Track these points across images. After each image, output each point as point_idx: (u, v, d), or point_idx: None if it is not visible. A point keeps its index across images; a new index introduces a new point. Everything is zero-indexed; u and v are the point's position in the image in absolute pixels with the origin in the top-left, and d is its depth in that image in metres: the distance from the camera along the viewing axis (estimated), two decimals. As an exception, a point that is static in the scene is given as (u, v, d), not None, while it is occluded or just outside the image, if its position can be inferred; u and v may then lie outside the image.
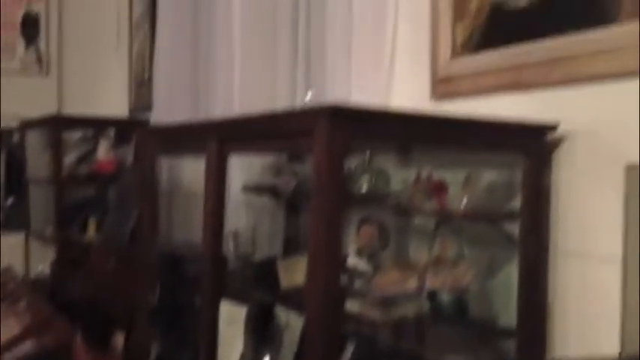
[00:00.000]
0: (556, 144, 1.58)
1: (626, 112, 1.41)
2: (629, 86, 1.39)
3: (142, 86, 4.27)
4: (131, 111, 4.46)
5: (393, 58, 2.06)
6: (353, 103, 2.03)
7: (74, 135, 4.07)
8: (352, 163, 1.95)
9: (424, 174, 1.79)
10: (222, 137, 1.76)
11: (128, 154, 3.88)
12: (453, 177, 1.73)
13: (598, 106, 1.48)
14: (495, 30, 1.70)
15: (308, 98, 2.41)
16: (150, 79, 3.98)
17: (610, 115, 1.45)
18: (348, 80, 2.14)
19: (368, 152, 1.91)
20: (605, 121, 1.47)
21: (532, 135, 1.55)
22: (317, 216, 1.35)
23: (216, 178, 1.85)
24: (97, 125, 3.98)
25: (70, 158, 3.94)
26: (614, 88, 1.43)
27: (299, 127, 1.42)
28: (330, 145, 1.30)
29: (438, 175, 1.76)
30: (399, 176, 1.96)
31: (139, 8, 4.31)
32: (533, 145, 1.56)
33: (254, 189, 2.49)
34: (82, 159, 4.01)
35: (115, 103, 4.57)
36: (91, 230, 3.87)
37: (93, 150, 3.99)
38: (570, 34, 1.48)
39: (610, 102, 1.45)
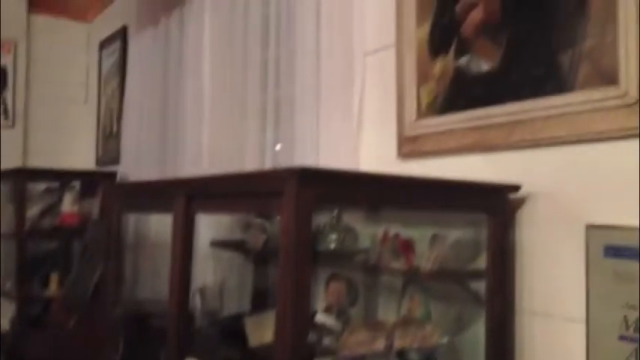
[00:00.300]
0: (519, 204, 1.62)
1: (584, 174, 1.46)
2: (585, 150, 1.45)
3: (109, 139, 4.27)
4: (98, 163, 4.44)
5: (360, 118, 2.11)
6: (321, 165, 2.07)
7: (39, 187, 4.01)
8: (321, 220, 1.97)
9: (392, 232, 1.81)
10: (190, 196, 1.76)
11: (94, 207, 3.84)
12: (419, 234, 1.75)
13: (557, 168, 1.53)
14: (458, 93, 1.76)
15: (277, 148, 2.45)
16: (118, 132, 3.99)
17: (569, 177, 1.50)
18: (317, 139, 2.18)
19: (336, 210, 1.93)
20: (564, 182, 1.51)
21: (495, 195, 1.59)
22: (285, 275, 1.35)
23: (184, 236, 1.84)
24: (62, 177, 3.94)
25: (33, 211, 3.87)
26: (571, 151, 1.49)
27: (267, 189, 1.43)
28: (298, 206, 1.32)
29: (405, 232, 1.79)
30: (367, 232, 1.98)
31: (109, 62, 4.34)
32: (497, 205, 1.59)
33: (222, 244, 2.48)
34: (46, 212, 3.94)
35: (81, 156, 4.55)
36: (53, 285, 3.79)
37: (58, 203, 3.93)
38: (529, 99, 1.54)
39: (568, 164, 1.50)
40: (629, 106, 1.33)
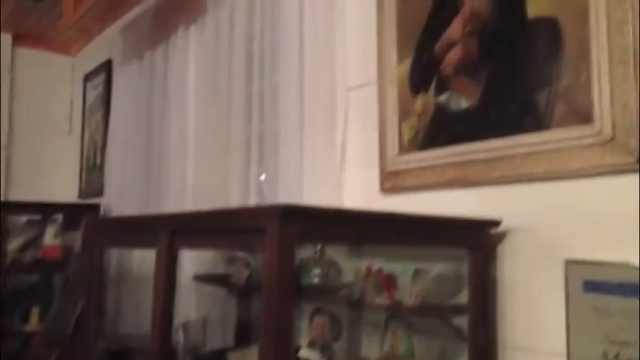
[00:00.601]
0: (499, 239, 1.64)
1: (563, 209, 1.49)
2: (563, 186, 1.48)
3: (92, 171, 4.26)
4: (81, 196, 4.41)
5: (344, 152, 2.13)
6: (305, 198, 2.08)
7: (21, 220, 3.98)
8: (304, 253, 1.97)
9: (374, 266, 1.82)
10: (173, 232, 1.76)
11: (76, 240, 3.81)
12: (402, 269, 1.77)
13: (537, 204, 1.55)
14: (439, 129, 1.79)
15: (262, 178, 2.46)
16: (101, 164, 3.99)
17: (548, 213, 1.53)
18: (301, 173, 2.19)
19: (319, 245, 1.94)
20: (544, 217, 1.54)
21: (476, 230, 1.61)
22: (268, 311, 1.35)
23: (167, 272, 1.83)
24: (44, 210, 3.91)
25: (14, 244, 3.84)
26: (550, 187, 1.52)
27: (251, 225, 1.44)
28: (281, 243, 1.32)
29: (388, 267, 1.80)
30: (351, 266, 1.99)
31: (93, 95, 4.35)
32: (477, 240, 1.61)
33: (206, 279, 2.47)
34: (28, 245, 3.91)
35: (65, 188, 4.52)
36: (34, 320, 3.74)
37: (40, 235, 3.90)
38: (508, 136, 1.58)
39: (547, 200, 1.53)
40: (603, 144, 1.36)
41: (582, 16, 1.41)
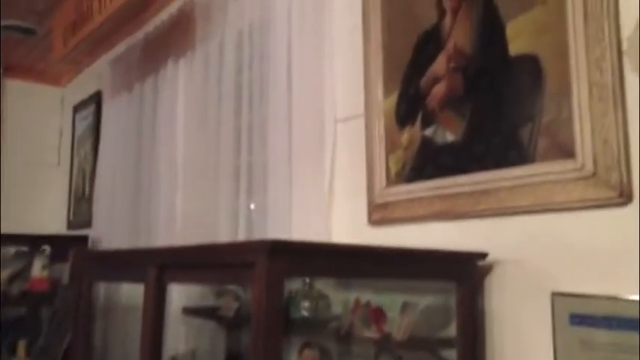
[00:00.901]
0: (487, 271, 1.65)
1: (548, 242, 1.50)
2: (548, 219, 1.50)
3: (81, 202, 4.25)
4: (69, 226, 4.40)
5: (332, 183, 2.15)
6: (294, 230, 2.09)
7: (8, 251, 3.95)
8: (293, 286, 1.98)
9: (363, 299, 1.82)
10: (162, 266, 1.76)
11: (64, 272, 3.77)
12: (390, 301, 1.77)
13: (523, 236, 1.57)
14: (426, 162, 1.82)
15: (252, 207, 2.46)
16: (90, 195, 3.98)
17: (534, 245, 1.54)
18: (289, 204, 2.20)
19: (308, 279, 1.94)
20: (530, 250, 1.55)
21: (463, 263, 1.62)
22: (257, 346, 1.35)
23: (155, 306, 1.83)
24: (32, 242, 3.88)
25: (2, 276, 3.80)
26: (535, 220, 1.53)
27: (239, 260, 1.45)
28: (269, 278, 1.33)
29: (377, 299, 1.80)
30: (340, 298, 1.99)
31: (82, 126, 4.37)
32: (465, 273, 1.62)
33: (195, 311, 2.46)
34: (15, 277, 3.87)
35: (53, 219, 4.50)
36: (21, 352, 3.69)
37: (27, 267, 3.87)
38: (493, 170, 1.60)
39: (533, 233, 1.54)
40: (586, 178, 1.39)
41: (562, 54, 1.45)
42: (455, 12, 1.75)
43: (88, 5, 2.82)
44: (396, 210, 1.90)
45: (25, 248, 3.93)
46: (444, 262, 1.63)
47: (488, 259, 1.62)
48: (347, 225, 2.10)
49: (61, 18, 3.22)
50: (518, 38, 1.56)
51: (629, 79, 1.36)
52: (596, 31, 1.39)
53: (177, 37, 3.03)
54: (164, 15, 3.24)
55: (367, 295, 1.84)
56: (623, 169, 1.34)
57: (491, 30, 1.63)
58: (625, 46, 1.37)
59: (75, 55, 3.68)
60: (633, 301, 1.31)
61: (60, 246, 3.86)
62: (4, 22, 3.64)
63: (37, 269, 3.78)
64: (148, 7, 3.41)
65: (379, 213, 1.96)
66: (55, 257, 3.82)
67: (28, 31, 3.78)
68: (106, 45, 3.94)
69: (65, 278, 3.76)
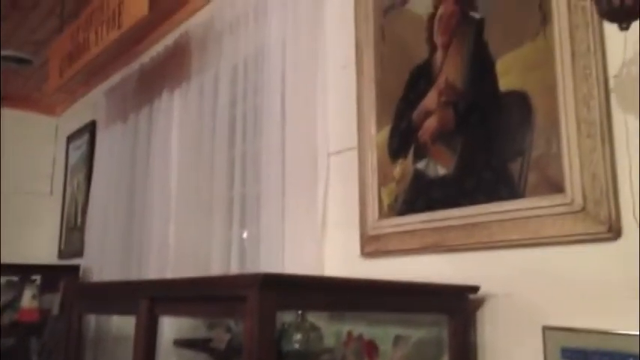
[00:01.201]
0: (479, 304, 1.65)
1: (539, 276, 1.51)
2: (539, 253, 1.51)
3: (73, 231, 4.23)
4: (61, 256, 4.37)
5: (325, 215, 2.16)
6: (286, 262, 2.09)
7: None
8: (286, 318, 1.97)
9: (356, 332, 1.82)
10: (153, 298, 1.75)
11: (54, 302, 3.74)
12: (383, 333, 1.77)
13: (514, 270, 1.57)
14: (418, 195, 1.83)
15: (244, 236, 2.46)
16: (82, 224, 3.97)
17: (525, 279, 1.55)
18: (282, 236, 2.21)
19: (300, 312, 1.93)
20: (521, 283, 1.56)
21: (455, 296, 1.63)
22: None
23: (146, 338, 1.81)
24: (22, 272, 3.85)
25: (-9, 307, 3.77)
26: (526, 254, 1.54)
27: (231, 294, 1.45)
28: (261, 312, 1.33)
29: (369, 331, 1.79)
30: (332, 330, 1.98)
31: (76, 155, 4.37)
32: (457, 306, 1.63)
33: (186, 343, 2.44)
34: (5, 307, 3.83)
35: (44, 248, 4.48)
36: (9, 385, 3.64)
37: (17, 297, 3.83)
38: (484, 203, 1.61)
39: (524, 266, 1.55)
40: (575, 213, 1.40)
41: (550, 91, 1.48)
42: (446, 47, 1.79)
43: (84, 37, 2.85)
44: (388, 242, 1.91)
45: (15, 278, 3.90)
46: (436, 296, 1.63)
47: (480, 292, 1.63)
48: (339, 257, 2.10)
49: (57, 49, 3.25)
50: (508, 74, 1.59)
51: (617, 116, 1.39)
52: (583, 68, 1.42)
53: (172, 68, 3.06)
54: (160, 47, 3.28)
55: (360, 328, 1.83)
56: (612, 204, 1.35)
57: (481, 66, 1.66)
58: (612, 83, 1.40)
59: (70, 85, 3.70)
60: (624, 336, 1.31)
61: (50, 276, 3.84)
62: (3, 52, 3.68)
63: (27, 299, 3.74)
64: (144, 38, 3.46)
65: (372, 245, 1.97)
66: (46, 287, 3.80)
67: (24, 62, 3.81)
68: (102, 75, 3.98)
69: (55, 309, 3.73)
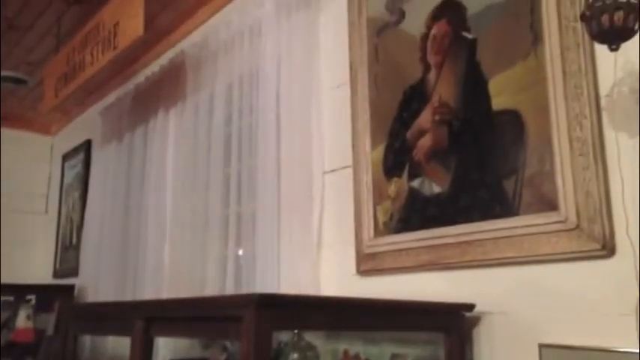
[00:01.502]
0: (474, 322, 1.65)
1: (534, 293, 1.51)
2: (533, 270, 1.52)
3: (68, 250, 4.22)
4: (56, 275, 4.36)
5: (320, 233, 2.16)
6: (282, 280, 2.09)
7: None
8: (282, 337, 1.96)
9: (352, 350, 1.81)
10: (149, 319, 1.74)
11: (49, 322, 3.72)
12: (380, 352, 1.76)
13: (509, 287, 1.58)
14: (413, 213, 1.84)
15: (240, 253, 2.46)
16: (77, 243, 3.96)
17: (521, 296, 1.55)
18: (278, 254, 2.21)
19: (296, 331, 1.93)
20: (516, 301, 1.56)
21: (450, 314, 1.63)
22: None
23: (142, 359, 1.81)
24: (17, 291, 3.83)
25: (-12, 327, 3.74)
26: (521, 271, 1.55)
27: (227, 314, 1.45)
28: (257, 332, 1.33)
29: (366, 350, 1.79)
30: (329, 349, 1.97)
31: (71, 174, 4.37)
32: (452, 324, 1.63)
33: (182, 364, 2.42)
34: (1, 327, 3.81)
35: (39, 267, 4.46)
36: (3, 406, 3.60)
37: (12, 317, 3.81)
38: (479, 221, 1.62)
39: (519, 284, 1.56)
40: (569, 231, 1.41)
41: (543, 110, 1.49)
42: (439, 67, 1.80)
43: (79, 57, 2.87)
44: (384, 260, 1.91)
45: (10, 298, 3.87)
46: (432, 314, 1.63)
47: (476, 310, 1.63)
48: (335, 275, 2.10)
49: (52, 69, 3.27)
50: (501, 94, 1.61)
51: (608, 135, 1.40)
52: (575, 88, 1.43)
53: (168, 88, 3.07)
54: (155, 66, 3.30)
55: (356, 347, 1.83)
56: (605, 221, 1.36)
57: (474, 85, 1.68)
58: (603, 102, 1.41)
59: (65, 105, 3.72)
60: (620, 353, 1.31)
61: (45, 296, 3.82)
62: (3, 73, 3.70)
63: (22, 319, 3.72)
64: (140, 58, 3.48)
65: (367, 263, 1.97)
66: (41, 307, 3.78)
67: (20, 82, 3.82)
68: (97, 95, 4.00)
69: (50, 329, 3.71)
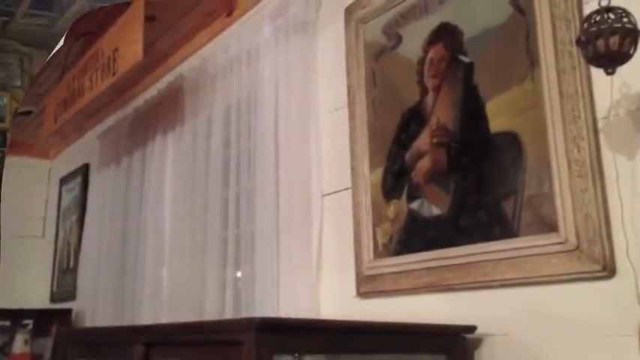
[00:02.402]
0: (476, 344, 1.64)
1: (536, 315, 1.51)
2: (534, 292, 1.52)
3: (65, 274, 4.20)
4: (53, 299, 4.33)
5: (320, 255, 2.16)
6: (281, 303, 2.08)
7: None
8: (282, 359, 1.95)
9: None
10: (148, 344, 1.73)
11: (46, 347, 3.69)
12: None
13: (511, 309, 1.58)
14: (413, 235, 1.84)
15: (239, 275, 2.45)
16: (75, 267, 3.94)
17: (522, 318, 1.55)
18: (277, 277, 2.20)
19: (297, 355, 1.91)
20: (518, 323, 1.56)
21: (452, 336, 1.62)
22: None
23: (141, 384, 1.79)
24: (14, 316, 3.81)
25: (-18, 353, 3.71)
26: (522, 293, 1.55)
27: (227, 338, 1.44)
28: (258, 358, 1.32)
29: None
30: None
31: (68, 198, 4.37)
32: (454, 347, 1.62)
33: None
34: (-1, 352, 3.78)
35: (36, 291, 4.44)
36: None
37: (9, 342, 3.78)
38: (479, 243, 1.63)
39: (520, 305, 1.55)
40: (569, 252, 1.41)
41: (541, 132, 1.51)
42: (436, 90, 1.82)
43: (79, 83, 2.88)
44: (384, 282, 1.91)
45: (7, 323, 3.85)
46: (433, 336, 1.62)
47: (477, 332, 1.62)
48: (335, 297, 2.10)
49: (54, 96, 3.29)
50: (498, 116, 1.62)
51: (606, 156, 1.41)
52: (572, 110, 1.45)
53: (166, 111, 3.09)
54: (153, 90, 3.32)
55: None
56: (605, 242, 1.37)
57: (472, 108, 1.70)
58: (600, 125, 1.43)
59: (64, 129, 3.73)
60: (622, 375, 1.31)
61: (43, 320, 3.79)
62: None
63: (19, 344, 3.69)
64: (138, 82, 3.50)
65: (367, 285, 1.97)
66: (38, 332, 3.75)
67: (28, 113, 3.87)
68: (95, 119, 4.01)
69: (47, 354, 3.68)
